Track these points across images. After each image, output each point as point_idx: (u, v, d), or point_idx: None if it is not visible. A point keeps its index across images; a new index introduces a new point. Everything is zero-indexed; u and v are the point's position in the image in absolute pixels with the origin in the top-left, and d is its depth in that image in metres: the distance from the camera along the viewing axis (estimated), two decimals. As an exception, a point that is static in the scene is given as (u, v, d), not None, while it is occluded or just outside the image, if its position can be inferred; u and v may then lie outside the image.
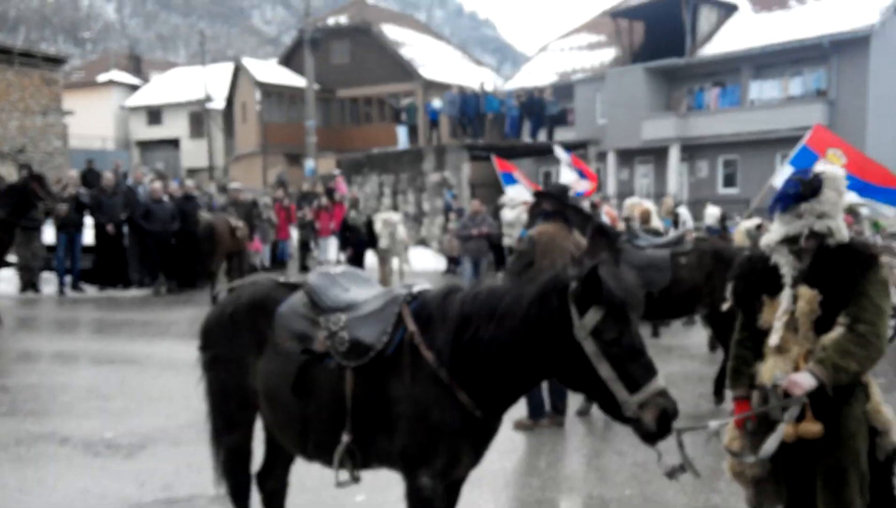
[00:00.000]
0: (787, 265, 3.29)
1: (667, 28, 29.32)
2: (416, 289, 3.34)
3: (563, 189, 7.06)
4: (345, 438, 3.23)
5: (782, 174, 11.78)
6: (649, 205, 12.60)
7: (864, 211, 12.95)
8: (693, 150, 28.91)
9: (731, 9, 29.87)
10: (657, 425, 2.81)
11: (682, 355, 10.18)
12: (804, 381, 3.01)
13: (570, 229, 6.55)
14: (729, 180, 27.78)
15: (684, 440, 3.01)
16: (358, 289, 3.53)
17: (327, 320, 3.32)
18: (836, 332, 3.10)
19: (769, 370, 3.21)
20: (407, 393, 3.10)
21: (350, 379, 3.20)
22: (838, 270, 3.17)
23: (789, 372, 3.13)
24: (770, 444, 3.06)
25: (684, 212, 15.54)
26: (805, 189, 3.23)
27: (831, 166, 3.38)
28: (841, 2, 26.38)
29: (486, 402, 3.10)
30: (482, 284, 3.32)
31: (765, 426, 3.17)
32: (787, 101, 26.85)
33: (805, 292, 3.18)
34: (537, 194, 7.25)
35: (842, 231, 3.22)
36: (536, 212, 7.01)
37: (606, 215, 13.96)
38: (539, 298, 2.94)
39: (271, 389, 3.44)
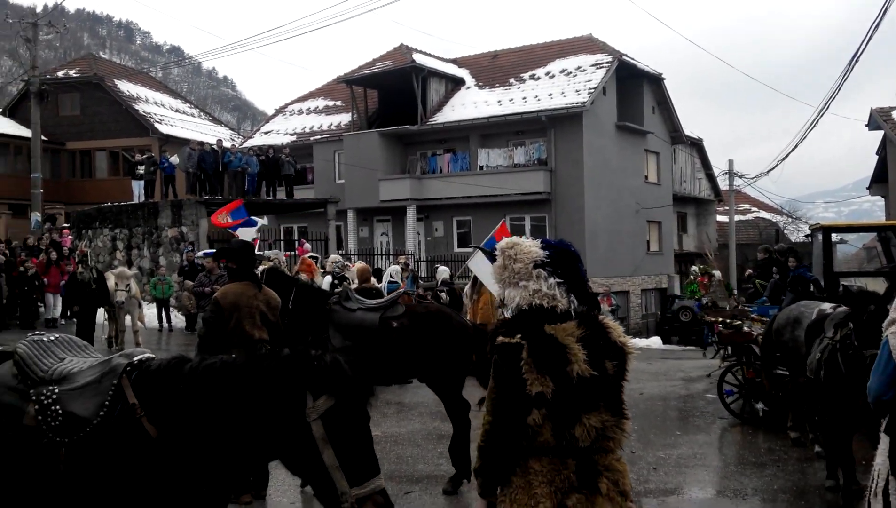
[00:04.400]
0: None
1: (399, 97, 30.77)
2: (137, 358, 3.14)
3: (247, 246, 6.80)
4: None
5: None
6: (364, 264, 12.53)
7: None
8: (429, 210, 30.23)
9: (459, 82, 32.06)
10: None
11: (423, 412, 10.18)
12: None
13: (258, 286, 6.31)
14: (463, 240, 29.11)
15: None
16: (73, 358, 3.27)
17: (39, 392, 3.05)
18: None
19: None
20: (127, 471, 2.87)
21: (64, 457, 2.94)
22: None
23: None
24: None
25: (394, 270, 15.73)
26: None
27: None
28: (555, 82, 29.21)
29: (212, 479, 2.94)
30: (213, 356, 3.12)
31: None
32: (512, 168, 29.05)
33: None
34: (220, 252, 6.79)
35: (514, 300, 2.99)
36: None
37: (303, 263, 14.02)
38: (276, 374, 2.85)
39: None
